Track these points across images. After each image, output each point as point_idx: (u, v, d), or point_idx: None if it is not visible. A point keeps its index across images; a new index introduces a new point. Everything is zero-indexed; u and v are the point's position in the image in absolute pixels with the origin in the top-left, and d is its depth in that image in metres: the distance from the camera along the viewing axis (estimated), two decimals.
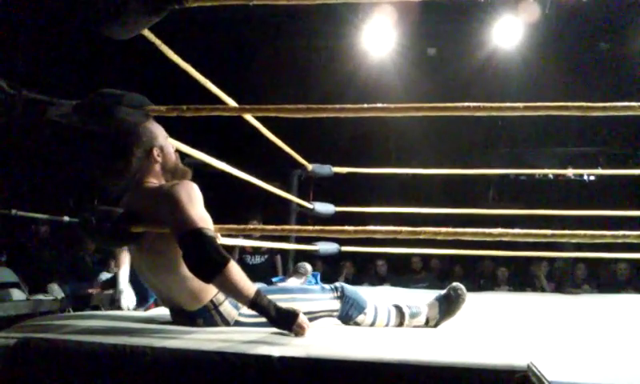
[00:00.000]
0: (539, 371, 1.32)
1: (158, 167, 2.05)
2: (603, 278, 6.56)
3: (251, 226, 3.06)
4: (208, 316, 1.98)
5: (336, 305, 2.21)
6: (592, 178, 8.66)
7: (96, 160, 2.18)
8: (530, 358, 1.39)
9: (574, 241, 1.94)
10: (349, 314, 2.24)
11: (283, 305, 1.93)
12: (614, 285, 6.17)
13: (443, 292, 2.44)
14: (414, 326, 2.34)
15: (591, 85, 6.80)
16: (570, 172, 5.46)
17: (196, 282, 1.89)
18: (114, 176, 2.04)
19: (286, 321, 1.85)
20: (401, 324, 2.33)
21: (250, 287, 1.86)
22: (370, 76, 6.90)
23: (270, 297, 1.95)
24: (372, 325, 2.28)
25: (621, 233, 1.83)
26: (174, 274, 1.93)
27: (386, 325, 2.31)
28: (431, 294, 2.51)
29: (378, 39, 6.10)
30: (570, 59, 7.02)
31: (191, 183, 1.98)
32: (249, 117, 3.13)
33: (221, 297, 1.98)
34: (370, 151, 7.98)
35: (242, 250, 5.35)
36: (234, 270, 1.83)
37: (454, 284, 2.46)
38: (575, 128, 7.83)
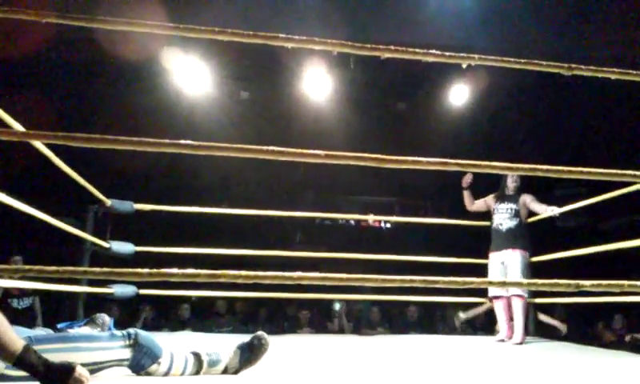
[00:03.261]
0: None
1: None
2: (395, 320, 7.05)
3: (36, 267, 2.72)
4: None
5: (126, 354, 2.03)
6: (388, 225, 9.36)
7: None
8: None
9: (368, 285, 2.02)
10: (141, 362, 2.07)
11: (63, 355, 1.73)
12: (404, 325, 6.66)
13: (246, 340, 2.38)
14: (212, 375, 2.23)
15: (390, 139, 7.39)
16: (369, 218, 5.83)
17: None
18: None
19: (59, 377, 1.63)
20: (198, 372, 2.22)
21: (15, 341, 1.62)
22: (183, 113, 6.78)
23: (49, 346, 1.73)
24: (166, 374, 2.13)
25: (408, 277, 1.94)
26: None
27: (182, 373, 2.17)
28: (234, 341, 2.43)
29: (193, 78, 6.03)
30: (371, 114, 7.57)
31: None
32: (41, 147, 2.83)
33: None
34: (177, 189, 7.77)
35: (6, 292, 4.76)
36: None
37: (257, 333, 2.42)
38: (374, 178, 8.42)
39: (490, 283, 3.65)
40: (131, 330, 2.11)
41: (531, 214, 4.60)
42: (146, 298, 4.83)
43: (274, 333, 4.98)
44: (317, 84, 6.27)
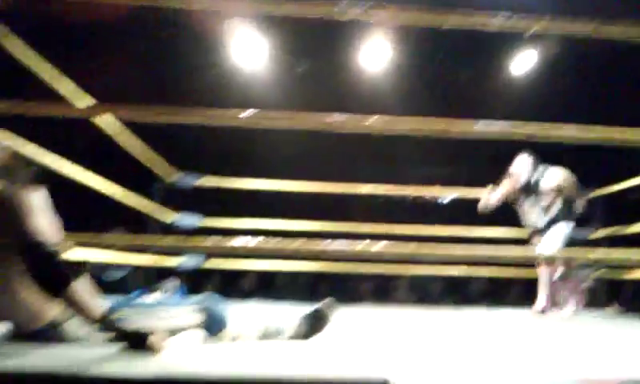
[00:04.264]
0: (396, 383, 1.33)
1: None
2: (461, 293, 6.98)
3: (108, 237, 2.86)
4: (51, 334, 1.82)
5: (198, 320, 2.11)
6: (449, 197, 9.17)
7: None
8: (389, 371, 1.39)
9: (433, 256, 2.00)
10: (210, 328, 2.14)
11: (139, 321, 1.81)
12: (468, 300, 6.59)
13: (310, 310, 2.42)
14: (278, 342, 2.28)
15: (452, 110, 7.18)
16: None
17: (35, 299, 1.72)
18: None
19: (137, 340, 1.72)
20: (264, 340, 2.27)
21: (98, 306, 1.72)
22: (244, 85, 6.84)
23: (126, 312, 1.82)
24: (234, 340, 2.19)
25: (474, 249, 1.92)
26: (10, 289, 1.74)
27: (248, 340, 2.23)
28: (298, 311, 2.47)
29: (250, 50, 6.07)
30: (432, 84, 7.39)
31: (36, 190, 1.79)
32: (110, 123, 2.93)
33: (65, 315, 1.81)
34: (239, 163, 7.87)
35: (103, 263, 5.01)
36: (82, 285, 1.69)
37: (322, 302, 2.44)
38: (437, 149, 8.23)
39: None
40: (200, 297, 2.19)
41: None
42: (211, 269, 4.96)
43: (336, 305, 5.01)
44: (376, 54, 6.19)
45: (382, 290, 7.12)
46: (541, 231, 4.34)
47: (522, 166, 4.46)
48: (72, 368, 1.41)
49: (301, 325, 2.36)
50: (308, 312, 2.40)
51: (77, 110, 2.09)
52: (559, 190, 4.30)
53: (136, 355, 1.65)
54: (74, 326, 1.84)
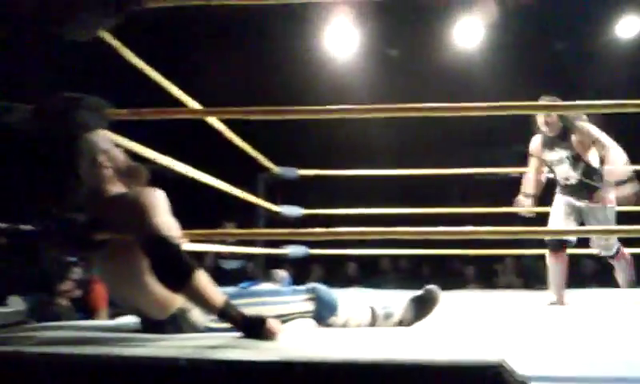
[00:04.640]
0: (511, 367, 1.32)
1: (110, 173, 1.98)
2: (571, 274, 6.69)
3: (220, 231, 3.02)
4: (177, 323, 1.94)
5: (308, 307, 2.18)
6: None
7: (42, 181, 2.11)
8: (502, 354, 1.39)
9: (540, 237, 1.96)
10: (321, 314, 2.20)
11: (253, 309, 1.91)
12: (579, 280, 6.29)
13: (417, 293, 2.43)
14: (388, 327, 2.32)
15: (548, 84, 6.89)
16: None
17: (162, 291, 1.85)
18: (66, 194, 1.99)
19: (254, 327, 1.82)
20: (373, 325, 2.32)
21: (218, 296, 1.82)
22: (332, 78, 6.90)
23: (240, 301, 1.92)
24: (344, 325, 2.25)
25: (584, 228, 1.86)
26: (139, 283, 1.88)
27: (359, 325, 2.28)
28: (403, 295, 2.50)
29: (340, 40, 6.11)
30: (526, 59, 7.11)
31: (156, 190, 1.93)
32: (213, 120, 3.09)
33: (188, 305, 1.94)
34: (336, 153, 7.97)
35: (218, 255, 5.29)
36: (202, 278, 1.80)
37: (429, 286, 2.45)
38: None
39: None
40: (310, 285, 2.26)
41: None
42: (315, 257, 5.10)
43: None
44: (468, 32, 6.04)
45: (486, 274, 6.97)
46: (575, 188, 3.64)
47: (535, 139, 3.82)
48: (195, 355, 1.50)
49: (408, 309, 2.38)
50: (415, 296, 2.42)
51: (189, 111, 2.23)
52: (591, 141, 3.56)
53: (254, 342, 1.73)
54: (197, 315, 1.96)
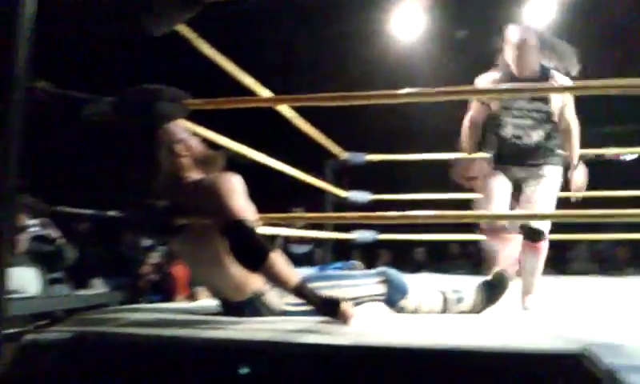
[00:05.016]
0: (594, 355, 1.29)
1: (188, 161, 2.07)
2: None
3: (292, 215, 3.08)
4: (254, 306, 2.01)
5: (380, 289, 2.19)
6: (631, 156, 8.40)
7: (123, 170, 2.21)
8: (584, 342, 1.36)
9: (618, 221, 1.89)
10: (392, 297, 2.21)
11: (327, 292, 1.94)
12: None
13: (487, 278, 2.40)
14: (459, 312, 2.31)
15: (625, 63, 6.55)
16: (610, 151, 5.28)
17: (240, 273, 1.92)
18: (147, 181, 2.08)
19: (329, 308, 1.85)
20: (444, 310, 2.30)
21: (294, 276, 1.88)
22: (399, 61, 6.82)
23: (314, 284, 1.96)
24: (416, 310, 2.25)
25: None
26: (218, 265, 1.95)
27: (430, 311, 2.28)
28: (473, 280, 2.47)
29: (407, 23, 6.03)
30: (600, 36, 6.79)
31: (233, 175, 1.99)
32: (283, 107, 3.14)
33: (265, 287, 2.00)
34: (403, 137, 7.90)
35: (287, 239, 5.39)
36: (278, 258, 1.86)
37: (497, 271, 2.42)
38: (614, 106, 7.59)
39: None
40: (381, 268, 2.28)
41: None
42: (383, 242, 5.10)
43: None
44: (539, 11, 5.82)
45: (558, 259, 6.76)
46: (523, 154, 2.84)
47: (487, 76, 2.94)
48: (287, 337, 1.55)
49: (479, 294, 2.35)
50: (484, 281, 2.39)
51: (260, 99, 2.29)
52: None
53: (331, 326, 1.77)
54: (273, 298, 2.02)
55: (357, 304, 2.10)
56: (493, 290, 2.37)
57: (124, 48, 5.95)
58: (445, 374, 1.36)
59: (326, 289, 2.01)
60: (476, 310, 2.34)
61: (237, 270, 1.92)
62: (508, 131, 2.84)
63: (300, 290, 1.87)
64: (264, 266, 1.83)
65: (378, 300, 2.21)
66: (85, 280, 5.08)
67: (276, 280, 1.89)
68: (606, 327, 1.96)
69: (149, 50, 5.65)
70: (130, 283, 5.29)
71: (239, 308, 2.01)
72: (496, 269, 2.45)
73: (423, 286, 2.34)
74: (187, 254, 2.11)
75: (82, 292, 4.89)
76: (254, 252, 1.85)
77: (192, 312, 2.16)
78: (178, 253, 2.26)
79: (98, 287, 5.05)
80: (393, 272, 2.26)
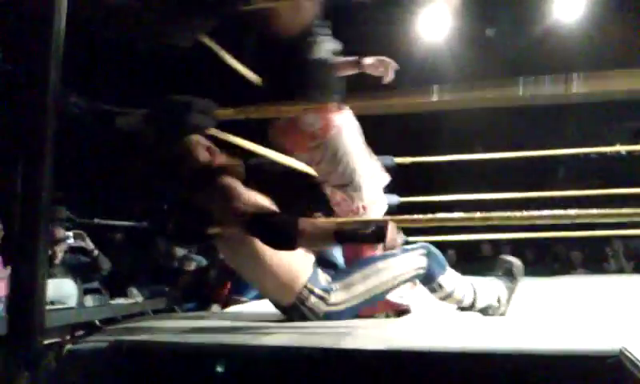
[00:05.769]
0: (633, 355, 1.27)
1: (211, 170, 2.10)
2: None
3: (332, 219, 3.06)
4: (299, 311, 2.03)
5: (421, 261, 2.20)
6: None
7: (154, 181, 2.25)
8: (622, 342, 1.34)
9: None
10: (432, 270, 2.23)
11: (370, 282, 2.04)
12: None
13: (500, 270, 2.47)
14: (485, 307, 2.31)
15: None
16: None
17: (282, 272, 1.96)
18: (176, 192, 2.13)
19: (375, 236, 1.88)
20: (472, 305, 2.31)
21: (328, 226, 1.91)
22: (427, 60, 6.79)
23: (356, 276, 2.05)
24: (447, 296, 2.26)
25: None
26: (260, 263, 1.99)
27: (461, 301, 2.29)
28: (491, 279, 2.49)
29: (435, 22, 6.01)
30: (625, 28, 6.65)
31: (225, 178, 2.03)
32: None
33: (306, 292, 2.02)
34: (432, 140, 7.85)
35: None
36: (306, 224, 1.88)
37: (506, 259, 2.51)
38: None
39: None
40: (420, 243, 2.32)
41: None
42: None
43: (544, 274, 4.83)
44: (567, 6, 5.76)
45: (594, 258, 6.63)
46: None
47: None
48: (319, 344, 1.56)
49: (500, 285, 2.40)
50: (498, 273, 2.46)
51: (287, 109, 2.30)
52: None
53: (370, 330, 1.75)
54: (316, 301, 2.03)
55: (399, 282, 2.14)
56: (510, 279, 2.42)
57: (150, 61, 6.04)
58: (483, 378, 1.35)
59: (373, 274, 2.08)
60: (502, 302, 2.34)
61: (278, 268, 1.97)
62: None
63: (341, 235, 1.88)
64: (298, 240, 1.86)
65: (420, 273, 2.21)
66: (120, 290, 5.17)
67: (316, 242, 1.94)
68: None
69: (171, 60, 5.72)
70: (165, 292, 5.35)
71: (287, 312, 2.06)
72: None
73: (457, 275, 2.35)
74: (230, 258, 2.18)
75: (118, 301, 4.98)
76: (281, 235, 1.87)
77: (229, 318, 2.19)
78: (225, 259, 2.30)
79: (134, 296, 5.12)
80: (431, 245, 2.29)
